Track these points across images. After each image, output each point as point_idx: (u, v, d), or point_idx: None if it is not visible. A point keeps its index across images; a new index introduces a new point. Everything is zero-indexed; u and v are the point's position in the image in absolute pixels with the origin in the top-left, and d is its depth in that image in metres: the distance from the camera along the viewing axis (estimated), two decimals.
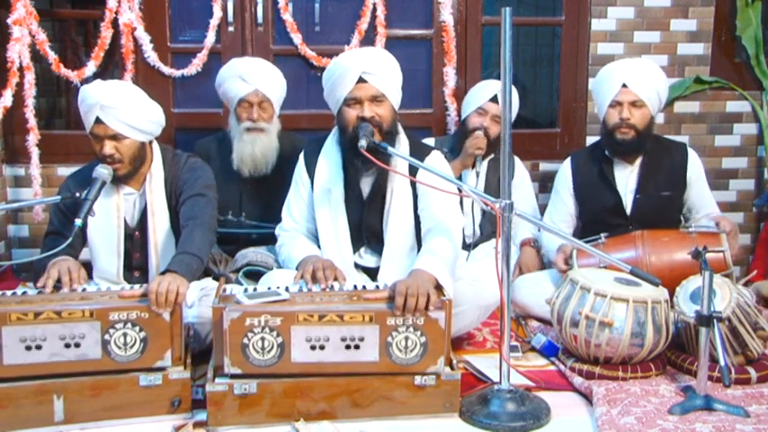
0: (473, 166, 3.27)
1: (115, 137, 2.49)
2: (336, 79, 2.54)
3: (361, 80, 2.51)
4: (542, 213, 3.44)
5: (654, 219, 3.01)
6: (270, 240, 2.94)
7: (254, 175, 3.15)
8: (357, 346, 2.14)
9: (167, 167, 2.67)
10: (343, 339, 2.13)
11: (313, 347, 2.13)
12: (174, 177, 2.66)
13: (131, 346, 2.13)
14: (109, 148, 2.48)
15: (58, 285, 2.31)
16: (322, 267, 2.42)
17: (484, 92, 3.31)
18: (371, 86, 2.52)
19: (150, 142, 2.65)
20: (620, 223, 3.07)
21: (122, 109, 2.47)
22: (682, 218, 3.17)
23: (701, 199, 3.13)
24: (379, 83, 2.52)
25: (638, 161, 3.10)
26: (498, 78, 2.17)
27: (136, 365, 2.14)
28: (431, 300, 2.16)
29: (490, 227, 3.34)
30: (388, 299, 2.20)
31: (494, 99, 3.25)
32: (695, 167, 3.12)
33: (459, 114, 3.62)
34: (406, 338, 2.15)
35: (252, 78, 3.11)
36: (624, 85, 2.99)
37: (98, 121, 2.46)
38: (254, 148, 3.11)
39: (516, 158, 3.40)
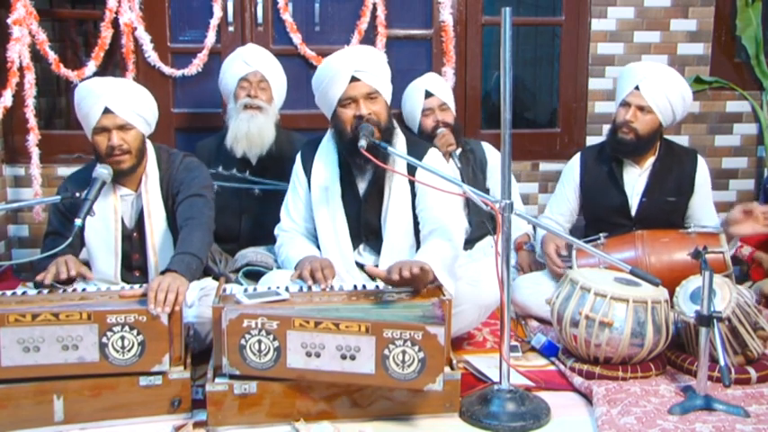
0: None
1: (123, 126, 2.50)
2: (328, 82, 2.54)
3: (353, 79, 2.51)
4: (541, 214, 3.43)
5: (658, 222, 3.01)
6: (274, 199, 2.92)
7: (247, 155, 3.14)
8: (353, 357, 2.07)
9: (162, 167, 2.67)
10: (339, 348, 2.07)
11: (308, 354, 2.08)
12: (170, 177, 2.66)
13: (129, 350, 2.11)
14: (117, 138, 2.49)
15: (56, 285, 2.31)
16: (320, 267, 2.42)
17: (417, 95, 3.26)
18: (365, 84, 2.52)
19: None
20: (623, 224, 3.06)
21: (129, 97, 2.52)
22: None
23: (702, 209, 3.10)
24: (372, 80, 2.53)
25: (648, 164, 3.08)
26: (499, 80, 2.16)
27: (133, 369, 2.13)
28: (424, 270, 2.22)
29: (479, 220, 3.32)
30: (386, 276, 2.24)
31: (427, 95, 3.25)
32: (703, 176, 3.10)
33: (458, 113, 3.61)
34: (404, 353, 2.05)
35: (253, 60, 3.17)
36: (637, 88, 2.97)
37: (106, 111, 2.47)
38: (250, 125, 3.10)
39: (488, 144, 3.42)
